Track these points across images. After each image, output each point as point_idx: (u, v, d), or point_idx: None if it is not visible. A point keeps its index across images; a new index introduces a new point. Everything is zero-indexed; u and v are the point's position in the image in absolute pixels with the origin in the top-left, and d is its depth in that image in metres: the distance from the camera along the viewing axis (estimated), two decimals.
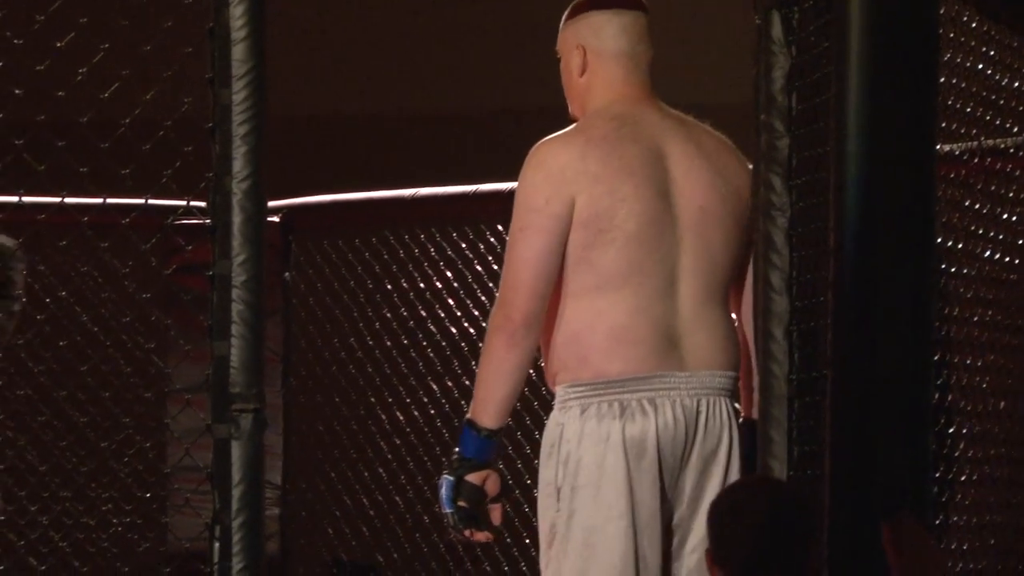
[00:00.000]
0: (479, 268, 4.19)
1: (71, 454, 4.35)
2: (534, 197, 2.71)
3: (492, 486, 2.77)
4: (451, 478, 2.75)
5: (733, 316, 2.80)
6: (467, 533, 2.81)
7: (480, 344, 2.90)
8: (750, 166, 2.68)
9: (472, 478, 2.74)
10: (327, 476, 4.42)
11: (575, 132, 2.76)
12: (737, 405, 2.76)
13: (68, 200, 3.18)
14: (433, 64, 6.72)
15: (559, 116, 2.86)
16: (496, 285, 2.95)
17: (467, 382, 3.76)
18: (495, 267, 3.94)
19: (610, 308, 2.71)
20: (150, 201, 3.23)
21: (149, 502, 4.19)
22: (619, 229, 2.68)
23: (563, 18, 2.84)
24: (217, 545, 2.53)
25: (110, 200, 3.46)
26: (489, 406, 2.75)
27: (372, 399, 4.34)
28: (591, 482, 2.69)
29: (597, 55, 2.80)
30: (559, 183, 2.69)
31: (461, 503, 2.75)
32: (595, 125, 2.75)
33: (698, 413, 2.69)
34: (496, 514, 2.80)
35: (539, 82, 3.09)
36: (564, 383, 2.72)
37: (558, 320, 2.73)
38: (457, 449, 2.78)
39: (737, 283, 2.78)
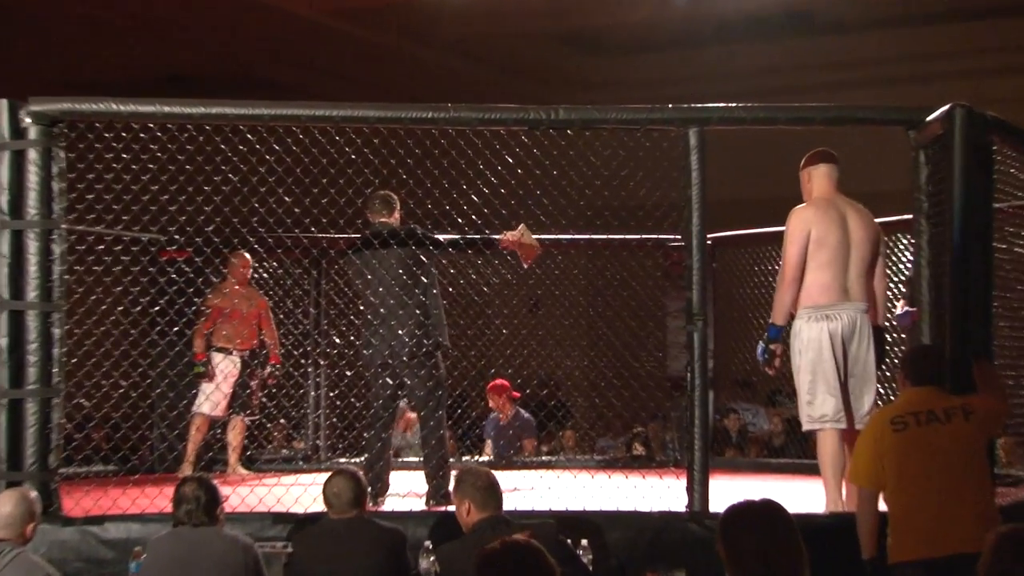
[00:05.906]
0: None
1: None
2: (795, 229, 5.82)
3: (779, 350, 5.90)
4: (762, 344, 5.93)
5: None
6: (767, 368, 6.00)
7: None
8: (874, 220, 5.82)
9: (771, 346, 5.89)
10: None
11: (808, 204, 5.92)
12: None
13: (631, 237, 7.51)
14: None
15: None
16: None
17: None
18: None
19: (821, 276, 5.73)
20: (659, 236, 7.36)
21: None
22: (827, 244, 5.76)
23: (801, 164, 6.03)
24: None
25: (644, 236, 7.54)
26: (779, 314, 5.84)
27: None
28: (812, 348, 5.73)
29: (815, 176, 5.97)
30: (804, 223, 5.81)
31: (766, 356, 5.90)
32: (816, 203, 5.89)
33: (856, 320, 5.75)
34: (778, 362, 5.95)
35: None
36: (802, 307, 5.81)
37: (803, 281, 5.80)
38: (766, 333, 5.94)
39: (872, 269, 5.82)
